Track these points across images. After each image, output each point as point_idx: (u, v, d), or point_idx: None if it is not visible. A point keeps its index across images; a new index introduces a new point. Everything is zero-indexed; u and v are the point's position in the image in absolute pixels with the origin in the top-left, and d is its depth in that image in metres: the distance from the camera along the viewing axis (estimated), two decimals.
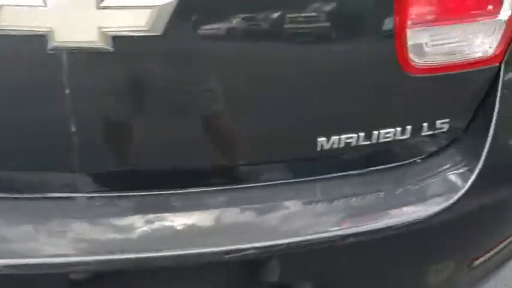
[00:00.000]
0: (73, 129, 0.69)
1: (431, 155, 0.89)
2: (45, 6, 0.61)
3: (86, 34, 0.63)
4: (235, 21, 0.68)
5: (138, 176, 0.77)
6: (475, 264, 0.99)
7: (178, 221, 0.76)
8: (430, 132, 0.85)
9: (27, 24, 0.62)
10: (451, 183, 0.83)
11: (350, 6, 0.73)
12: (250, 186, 0.80)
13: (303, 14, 0.70)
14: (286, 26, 0.70)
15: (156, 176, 0.78)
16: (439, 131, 0.85)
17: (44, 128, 0.71)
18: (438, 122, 0.84)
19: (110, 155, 0.77)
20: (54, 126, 0.71)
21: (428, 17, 0.75)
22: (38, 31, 0.62)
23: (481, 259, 1.00)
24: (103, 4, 0.62)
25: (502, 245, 1.03)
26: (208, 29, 0.68)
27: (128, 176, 0.77)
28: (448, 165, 0.86)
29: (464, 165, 0.85)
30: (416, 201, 0.82)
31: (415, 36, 0.76)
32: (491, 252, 1.00)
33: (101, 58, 0.66)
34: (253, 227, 0.77)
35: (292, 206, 0.79)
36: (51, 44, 0.63)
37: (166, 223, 0.76)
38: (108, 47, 0.64)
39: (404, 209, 0.81)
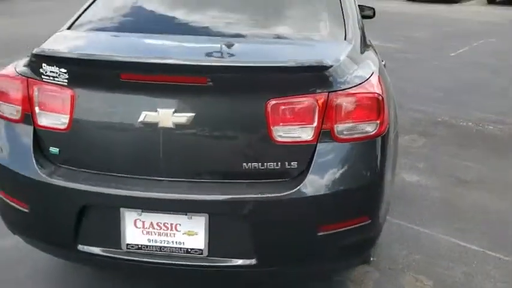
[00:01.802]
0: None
1: (293, 178, 2.24)
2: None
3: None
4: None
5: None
6: (322, 234, 2.23)
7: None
8: (289, 167, 2.21)
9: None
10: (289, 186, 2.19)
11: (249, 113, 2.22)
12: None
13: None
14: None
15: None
16: (293, 167, 2.22)
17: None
18: (292, 162, 2.21)
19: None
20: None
21: (278, 120, 2.20)
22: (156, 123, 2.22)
23: (326, 232, 2.23)
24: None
25: (343, 228, 2.26)
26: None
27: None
28: (292, 183, 2.21)
29: (295, 184, 2.19)
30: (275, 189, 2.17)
31: (275, 129, 2.20)
32: (332, 231, 2.24)
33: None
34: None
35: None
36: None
37: None
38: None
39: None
